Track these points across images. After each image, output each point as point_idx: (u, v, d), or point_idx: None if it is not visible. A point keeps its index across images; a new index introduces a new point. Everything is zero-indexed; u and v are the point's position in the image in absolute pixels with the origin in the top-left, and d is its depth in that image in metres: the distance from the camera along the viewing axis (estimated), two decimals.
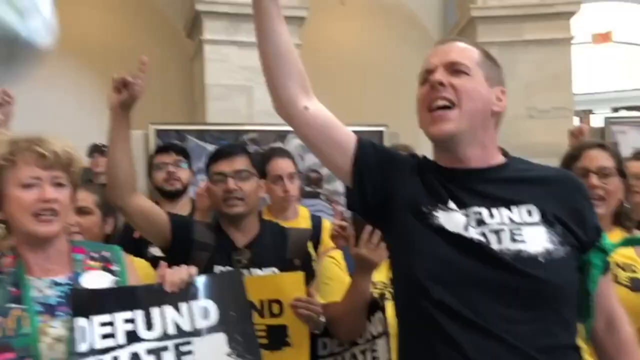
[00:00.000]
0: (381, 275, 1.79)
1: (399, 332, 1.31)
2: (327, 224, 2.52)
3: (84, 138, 4.96)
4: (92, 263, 1.46)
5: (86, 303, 1.34)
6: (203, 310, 1.43)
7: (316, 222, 2.58)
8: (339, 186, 4.28)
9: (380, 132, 4.50)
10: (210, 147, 3.92)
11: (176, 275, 1.43)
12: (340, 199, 4.23)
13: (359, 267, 1.68)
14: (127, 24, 7.10)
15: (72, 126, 6.71)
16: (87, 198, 1.93)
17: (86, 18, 6.96)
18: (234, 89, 5.46)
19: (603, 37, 8.82)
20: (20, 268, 1.38)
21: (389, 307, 1.70)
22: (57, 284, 1.39)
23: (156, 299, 1.40)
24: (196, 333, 1.41)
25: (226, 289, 1.49)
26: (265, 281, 1.78)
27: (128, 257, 1.56)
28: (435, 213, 1.19)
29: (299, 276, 1.77)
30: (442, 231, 1.17)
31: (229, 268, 1.79)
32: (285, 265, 1.85)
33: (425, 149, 1.84)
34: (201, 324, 1.42)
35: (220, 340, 1.42)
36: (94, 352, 1.30)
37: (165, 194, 2.64)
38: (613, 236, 1.71)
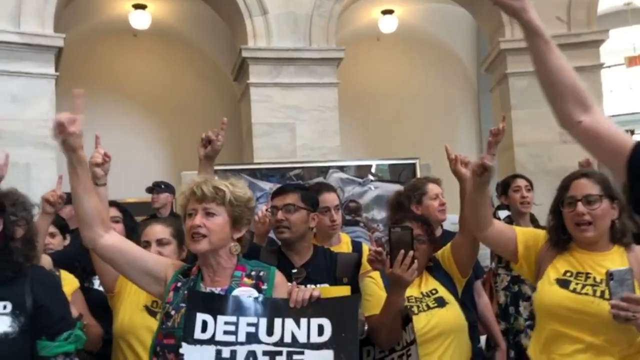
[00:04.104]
0: (413, 290, 2.10)
1: None
2: (366, 249, 2.83)
3: (149, 175, 5.40)
4: (246, 280, 1.72)
5: (210, 303, 1.60)
6: (319, 327, 1.60)
7: (357, 247, 2.88)
8: (376, 214, 4.57)
9: (413, 164, 4.77)
10: (262, 183, 4.29)
11: (301, 294, 1.64)
12: (376, 226, 4.54)
13: (394, 285, 1.96)
14: (181, 72, 7.67)
15: (139, 164, 7.22)
16: (164, 231, 2.25)
17: (147, 68, 7.59)
18: (277, 127, 5.89)
19: (637, 60, 8.89)
20: (199, 277, 1.73)
21: (416, 319, 2.00)
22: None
23: (280, 311, 1.61)
24: (309, 346, 1.58)
25: (343, 311, 1.64)
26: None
27: (279, 276, 1.79)
28: None
29: (346, 290, 2.16)
30: None
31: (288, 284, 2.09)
32: (335, 282, 2.23)
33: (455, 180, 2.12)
34: (315, 339, 1.58)
35: (328, 356, 1.57)
36: (214, 342, 1.55)
37: None
38: (613, 254, 1.95)
